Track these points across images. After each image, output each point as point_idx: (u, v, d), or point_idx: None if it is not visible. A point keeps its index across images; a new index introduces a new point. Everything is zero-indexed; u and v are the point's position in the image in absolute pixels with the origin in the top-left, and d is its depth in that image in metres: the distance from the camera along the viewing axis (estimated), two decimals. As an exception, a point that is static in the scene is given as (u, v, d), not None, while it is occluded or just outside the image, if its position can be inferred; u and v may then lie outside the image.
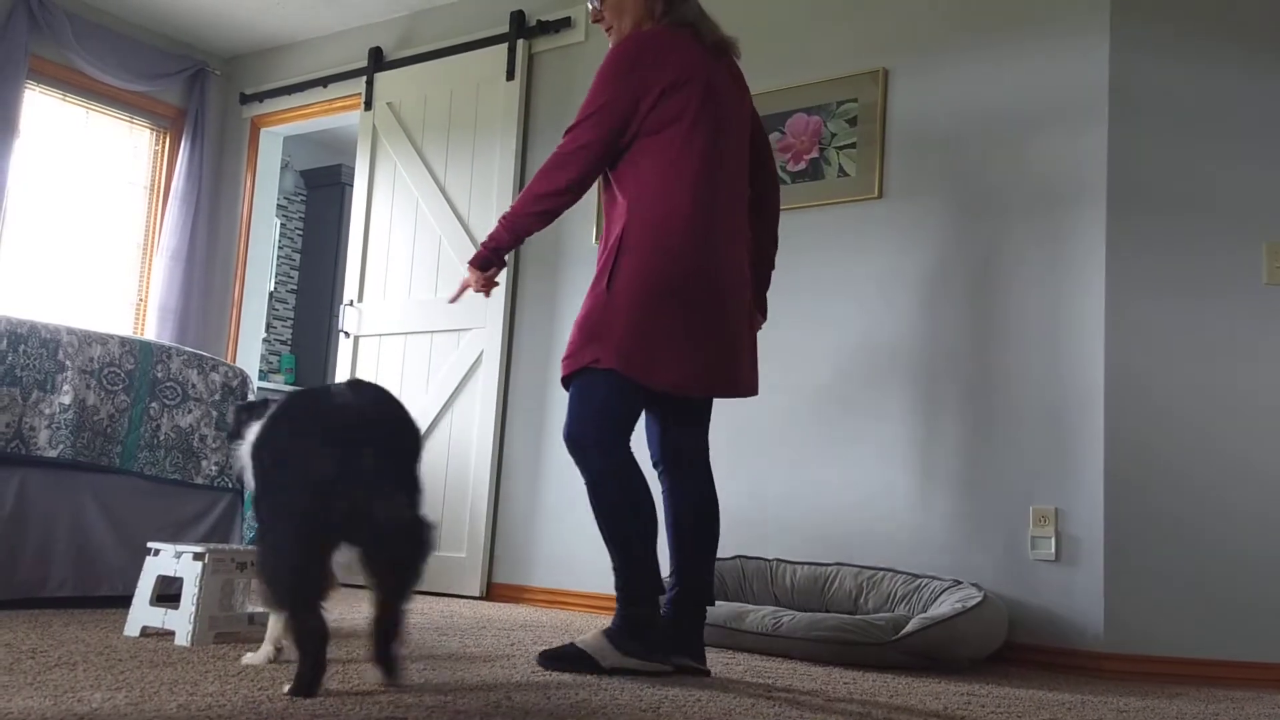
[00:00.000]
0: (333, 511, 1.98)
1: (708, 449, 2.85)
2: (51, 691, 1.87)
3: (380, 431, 2.10)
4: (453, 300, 2.93)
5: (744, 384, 2.76)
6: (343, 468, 1.99)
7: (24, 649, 2.37)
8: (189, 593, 2.63)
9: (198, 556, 2.65)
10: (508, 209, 2.79)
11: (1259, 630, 3.23)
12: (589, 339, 2.66)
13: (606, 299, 2.67)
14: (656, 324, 2.64)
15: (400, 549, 2.07)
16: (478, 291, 2.84)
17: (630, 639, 2.60)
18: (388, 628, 2.09)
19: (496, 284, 2.88)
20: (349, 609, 3.73)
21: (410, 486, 2.12)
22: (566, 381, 2.72)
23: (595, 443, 2.66)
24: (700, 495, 2.78)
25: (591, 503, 2.68)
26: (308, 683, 1.95)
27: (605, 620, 3.79)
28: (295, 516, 1.99)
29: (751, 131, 2.89)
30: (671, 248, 2.66)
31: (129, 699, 1.85)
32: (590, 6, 2.90)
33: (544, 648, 2.69)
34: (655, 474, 2.80)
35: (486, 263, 2.79)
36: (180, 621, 2.62)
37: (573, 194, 2.71)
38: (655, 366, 2.64)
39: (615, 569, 2.66)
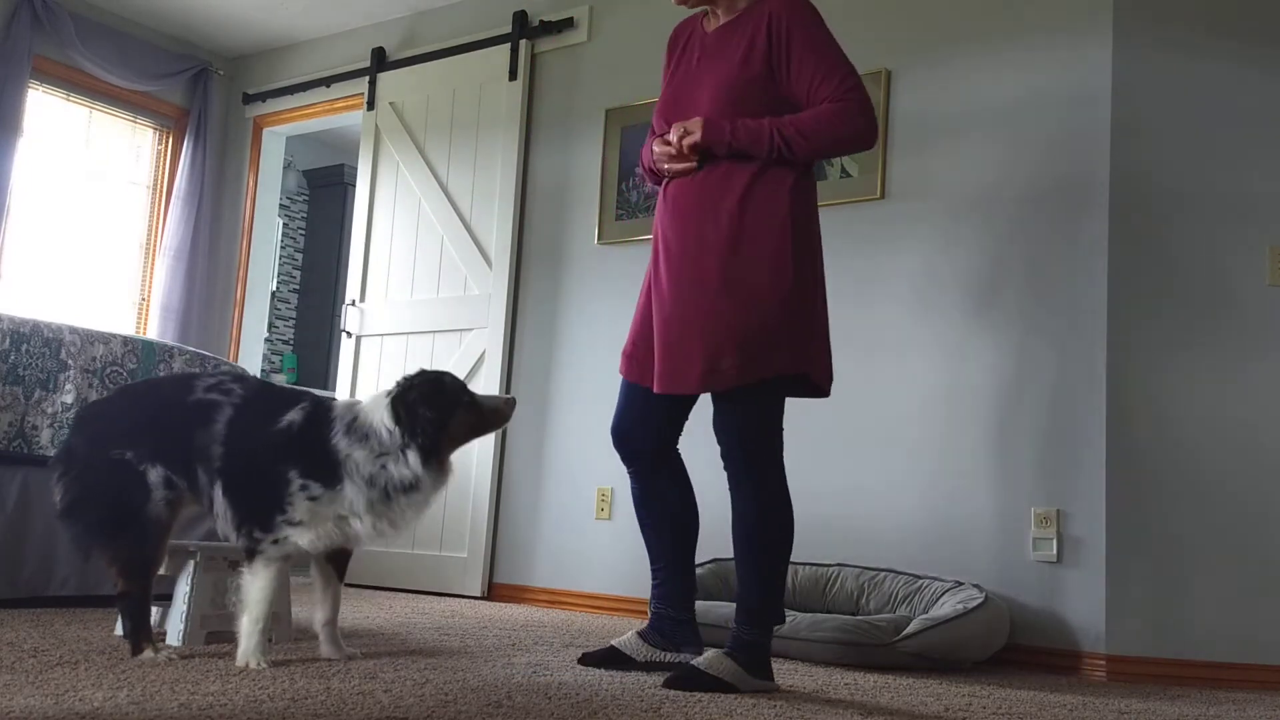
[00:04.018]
0: None
1: None
2: (53, 690, 1.88)
3: None
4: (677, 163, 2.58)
5: None
6: None
7: (26, 648, 2.37)
8: (180, 591, 2.62)
9: (189, 554, 2.64)
10: (785, 122, 2.46)
11: (1261, 632, 3.22)
12: (784, 343, 2.44)
13: (795, 291, 2.45)
14: (822, 319, 2.57)
15: None
16: (677, 156, 2.55)
17: (762, 667, 2.46)
18: None
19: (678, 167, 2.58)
20: (350, 610, 3.73)
21: None
22: (730, 388, 2.43)
23: (777, 460, 2.51)
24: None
25: (759, 524, 2.48)
26: None
27: (609, 621, 3.79)
28: None
29: None
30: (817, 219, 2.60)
31: (130, 698, 1.85)
32: None
33: (667, 675, 2.45)
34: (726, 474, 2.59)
35: (716, 143, 2.49)
36: (172, 620, 2.62)
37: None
38: (827, 369, 2.57)
39: (751, 593, 2.48)
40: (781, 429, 2.53)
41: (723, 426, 2.50)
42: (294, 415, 2.39)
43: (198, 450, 2.38)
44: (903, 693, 2.58)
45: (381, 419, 2.38)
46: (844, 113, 2.46)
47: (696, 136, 2.49)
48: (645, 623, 2.72)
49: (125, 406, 2.51)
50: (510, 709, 1.98)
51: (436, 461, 2.39)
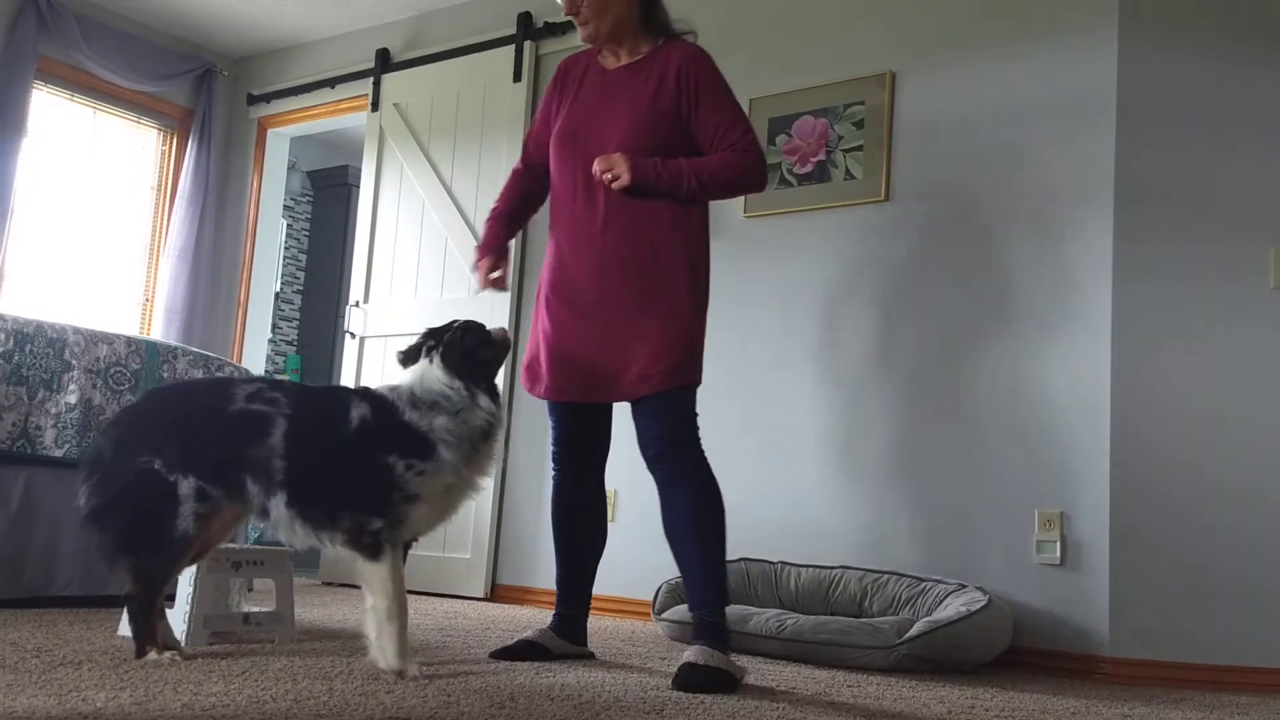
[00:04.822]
0: None
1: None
2: (56, 690, 1.88)
3: None
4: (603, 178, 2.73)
5: None
6: None
7: (29, 648, 2.37)
8: (183, 592, 2.62)
9: None
10: (700, 166, 2.71)
11: (1265, 635, 3.21)
12: (696, 356, 2.74)
13: (701, 310, 2.78)
14: None
15: None
16: (614, 178, 2.68)
17: (728, 644, 2.63)
18: None
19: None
20: (353, 610, 3.73)
21: None
22: (653, 395, 2.68)
23: (699, 453, 2.71)
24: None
25: (702, 515, 2.66)
26: None
27: (612, 623, 3.79)
28: None
29: None
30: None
31: (133, 698, 1.85)
32: None
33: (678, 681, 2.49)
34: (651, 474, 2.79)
35: (643, 185, 2.67)
36: (175, 621, 2.62)
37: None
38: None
39: (716, 578, 2.65)
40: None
41: (656, 433, 2.69)
42: (360, 410, 2.37)
43: (251, 463, 2.31)
44: (906, 695, 2.58)
45: (440, 380, 2.42)
46: (751, 165, 2.76)
47: (626, 180, 2.66)
48: (552, 619, 2.93)
49: (156, 412, 2.44)
50: (513, 710, 1.98)
51: (496, 398, 2.49)
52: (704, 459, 2.70)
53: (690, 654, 2.51)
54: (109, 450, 2.38)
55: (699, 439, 2.71)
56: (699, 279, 2.76)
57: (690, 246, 2.74)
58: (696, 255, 2.76)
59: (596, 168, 2.69)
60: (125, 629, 2.72)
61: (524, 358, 2.92)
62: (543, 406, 4.62)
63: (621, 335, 2.70)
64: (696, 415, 2.73)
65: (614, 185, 2.67)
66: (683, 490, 2.66)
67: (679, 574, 3.71)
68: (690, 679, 2.42)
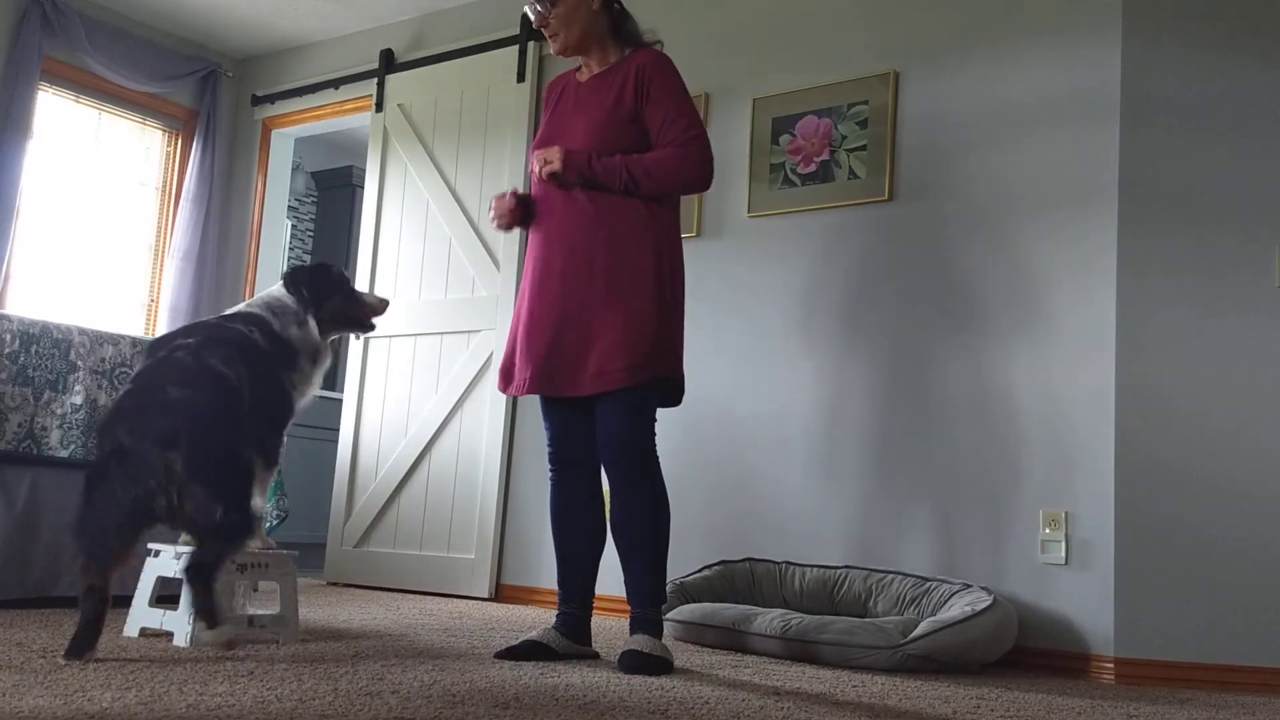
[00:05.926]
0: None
1: None
2: (62, 691, 1.88)
3: None
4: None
5: None
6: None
7: (35, 648, 2.38)
8: (188, 594, 2.62)
9: None
10: (635, 161, 2.81)
11: (1270, 635, 3.21)
12: (664, 350, 2.78)
13: (670, 308, 2.82)
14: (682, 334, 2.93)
15: None
16: (544, 172, 2.83)
17: (662, 632, 2.83)
18: None
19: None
20: (357, 610, 3.74)
21: None
22: (611, 393, 2.73)
23: (655, 456, 2.82)
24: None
25: (655, 517, 2.80)
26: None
27: (616, 622, 3.79)
28: None
29: None
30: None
31: (139, 698, 1.85)
32: (536, 11, 2.95)
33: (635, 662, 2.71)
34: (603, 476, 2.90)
35: (577, 175, 2.80)
36: (179, 623, 2.62)
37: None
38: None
39: (658, 579, 2.81)
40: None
41: (611, 433, 2.76)
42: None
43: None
44: (910, 695, 2.58)
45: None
46: (686, 158, 2.82)
47: (555, 166, 2.79)
48: (556, 619, 2.95)
49: (227, 396, 2.54)
50: (518, 710, 1.98)
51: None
52: (657, 468, 2.81)
53: (634, 642, 2.72)
54: (214, 441, 2.39)
55: (653, 445, 2.80)
56: (667, 276, 2.82)
57: (658, 244, 2.81)
58: (664, 252, 2.82)
59: (534, 163, 2.85)
60: (129, 630, 2.73)
61: (500, 360, 2.96)
62: (547, 406, 4.64)
63: (587, 330, 2.76)
64: (654, 418, 2.80)
65: (544, 170, 2.81)
66: (631, 501, 2.78)
67: (681, 574, 3.74)
68: (638, 664, 2.65)
